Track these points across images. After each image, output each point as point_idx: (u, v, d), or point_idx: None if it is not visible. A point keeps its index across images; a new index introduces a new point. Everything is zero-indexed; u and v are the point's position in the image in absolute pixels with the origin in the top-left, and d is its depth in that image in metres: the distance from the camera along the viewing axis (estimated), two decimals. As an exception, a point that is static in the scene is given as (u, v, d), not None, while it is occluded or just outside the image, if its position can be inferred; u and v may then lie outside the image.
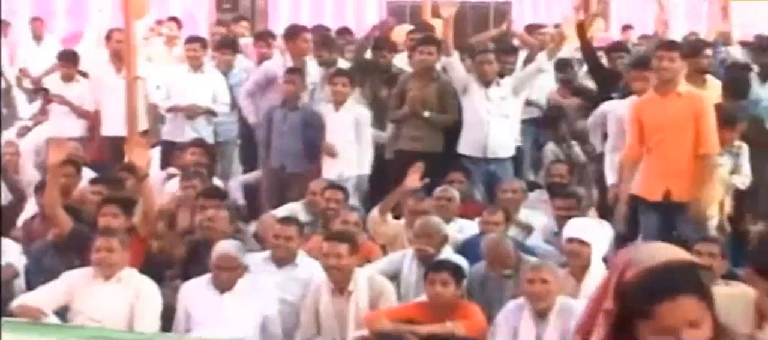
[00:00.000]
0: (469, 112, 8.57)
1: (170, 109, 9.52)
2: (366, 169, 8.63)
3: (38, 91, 11.79)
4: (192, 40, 10.09)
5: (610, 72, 9.30)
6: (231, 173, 9.73)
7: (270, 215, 7.64)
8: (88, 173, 8.32)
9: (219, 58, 10.11)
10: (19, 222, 8.03)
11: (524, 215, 7.80)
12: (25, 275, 6.88)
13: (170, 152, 9.17)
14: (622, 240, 6.70)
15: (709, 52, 8.72)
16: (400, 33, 11.35)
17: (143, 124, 8.85)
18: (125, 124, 8.12)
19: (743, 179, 7.79)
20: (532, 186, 8.82)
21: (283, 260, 6.57)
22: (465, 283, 6.08)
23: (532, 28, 12.29)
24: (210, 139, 9.36)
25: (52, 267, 6.58)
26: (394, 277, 6.58)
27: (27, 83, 13.26)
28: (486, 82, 8.57)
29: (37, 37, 13.77)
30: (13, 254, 6.99)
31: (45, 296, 5.97)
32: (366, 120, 8.63)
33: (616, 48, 10.42)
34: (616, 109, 7.92)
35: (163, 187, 8.48)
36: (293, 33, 9.57)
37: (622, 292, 2.22)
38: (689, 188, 6.89)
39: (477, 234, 7.14)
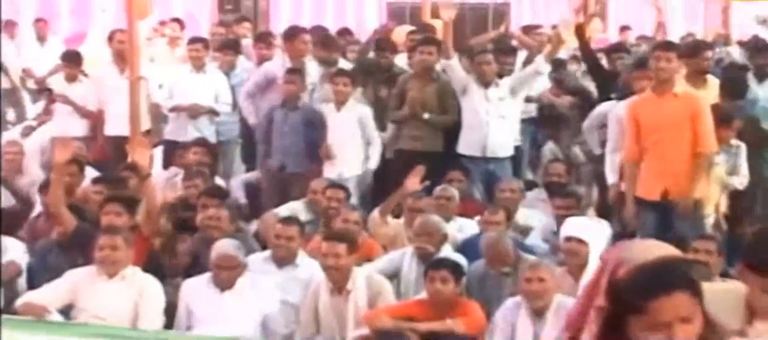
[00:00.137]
0: (469, 112, 8.56)
1: (173, 109, 9.52)
2: (374, 164, 8.60)
3: (42, 91, 11.78)
4: (194, 40, 10.11)
5: (610, 73, 9.29)
6: (233, 172, 9.73)
7: (272, 214, 7.64)
8: (91, 173, 8.32)
9: (221, 59, 10.13)
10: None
11: (522, 214, 7.80)
12: (29, 273, 6.86)
13: (172, 151, 9.16)
14: (620, 239, 6.68)
15: (709, 53, 8.70)
16: (400, 33, 11.35)
17: (145, 123, 8.84)
18: (128, 124, 8.11)
19: (741, 180, 7.80)
20: (531, 185, 8.82)
21: (283, 260, 6.55)
22: (464, 281, 6.07)
23: (528, 29, 12.29)
24: (212, 139, 9.36)
25: (56, 265, 6.59)
26: (394, 275, 6.58)
27: (31, 84, 13.25)
28: (485, 83, 8.56)
29: (41, 38, 13.76)
30: (17, 251, 6.99)
31: (49, 295, 5.96)
32: (369, 118, 8.61)
33: (616, 49, 10.45)
34: (616, 110, 7.91)
35: (166, 185, 8.49)
36: (291, 34, 9.57)
37: (615, 289, 2.22)
38: (686, 187, 6.89)
39: (477, 234, 7.13)
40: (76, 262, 6.43)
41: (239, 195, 8.85)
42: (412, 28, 11.45)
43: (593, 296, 2.26)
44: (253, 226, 7.94)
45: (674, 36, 12.27)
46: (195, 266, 6.63)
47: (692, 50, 8.40)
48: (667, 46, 7.41)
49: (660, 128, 6.86)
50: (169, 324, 6.13)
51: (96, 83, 9.80)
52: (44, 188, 7.46)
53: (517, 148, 8.97)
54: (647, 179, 6.96)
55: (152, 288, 6.06)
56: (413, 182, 7.33)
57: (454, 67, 8.62)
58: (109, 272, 6.00)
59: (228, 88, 9.65)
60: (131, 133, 8.01)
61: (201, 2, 16.82)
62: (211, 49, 10.13)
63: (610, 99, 8.63)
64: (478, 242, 6.77)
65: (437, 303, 5.85)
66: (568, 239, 6.27)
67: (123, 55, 8.97)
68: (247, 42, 11.30)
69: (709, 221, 7.40)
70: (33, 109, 12.49)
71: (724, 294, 2.37)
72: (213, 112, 9.50)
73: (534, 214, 7.85)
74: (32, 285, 6.54)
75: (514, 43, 10.97)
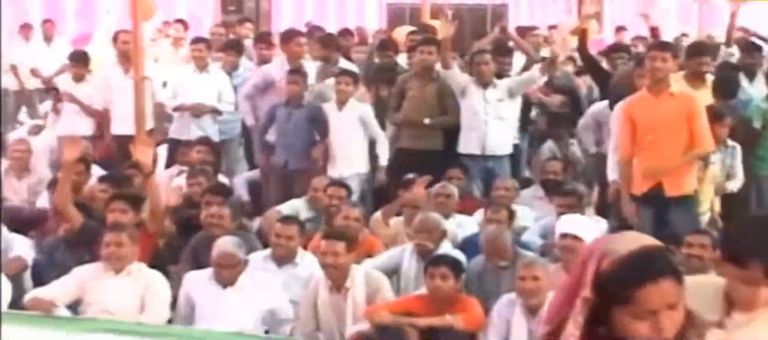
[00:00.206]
0: (468, 113, 8.58)
1: (177, 108, 9.55)
2: (384, 160, 8.60)
3: (49, 90, 11.81)
4: (197, 41, 10.13)
5: (610, 73, 9.33)
6: (235, 170, 9.76)
7: (274, 211, 7.67)
8: (97, 171, 8.35)
9: (224, 59, 10.18)
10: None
11: (519, 212, 7.80)
12: (36, 269, 6.88)
13: (176, 150, 9.20)
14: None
15: (708, 57, 8.73)
16: (401, 34, 11.39)
17: (149, 123, 8.87)
18: (133, 123, 8.14)
19: (736, 183, 7.83)
20: (529, 183, 8.85)
21: (283, 258, 6.55)
22: (463, 277, 6.09)
23: (524, 30, 12.31)
24: (215, 138, 9.38)
25: (62, 262, 6.61)
26: (394, 272, 6.59)
27: (38, 83, 13.29)
28: (484, 84, 8.58)
29: (48, 39, 13.78)
30: (24, 247, 7.01)
31: (58, 291, 5.99)
32: (370, 116, 8.62)
33: (616, 49, 10.53)
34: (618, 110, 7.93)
35: (169, 183, 8.51)
36: (287, 37, 9.64)
37: (601, 280, 2.24)
38: (681, 184, 6.91)
39: (476, 232, 7.15)
40: (83, 258, 6.45)
41: (242, 193, 8.87)
42: (412, 28, 11.47)
43: (576, 289, 2.28)
44: (256, 223, 7.98)
45: (668, 36, 12.28)
46: (196, 264, 6.64)
47: (693, 52, 8.43)
48: (662, 46, 7.43)
49: (656, 128, 6.87)
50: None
51: (102, 83, 9.83)
52: (52, 186, 7.50)
53: (515, 147, 9.00)
54: (642, 175, 6.98)
55: (158, 284, 6.10)
56: (418, 190, 7.39)
57: (453, 75, 8.65)
58: (115, 268, 6.04)
59: (230, 87, 9.68)
60: (136, 132, 8.04)
61: (204, 3, 16.86)
62: (212, 50, 10.17)
63: (607, 98, 8.67)
64: (477, 240, 6.79)
65: (437, 299, 5.87)
66: (564, 235, 6.29)
67: (127, 56, 9.00)
68: (248, 42, 11.34)
69: (705, 218, 7.43)
70: (40, 108, 12.54)
71: (702, 287, 2.39)
72: (216, 112, 9.53)
73: (528, 212, 7.87)
74: (39, 281, 6.57)
75: (511, 44, 10.99)
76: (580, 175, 9.01)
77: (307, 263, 6.54)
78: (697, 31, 14.91)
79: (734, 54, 10.42)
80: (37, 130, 10.83)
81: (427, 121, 8.62)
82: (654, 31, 10.57)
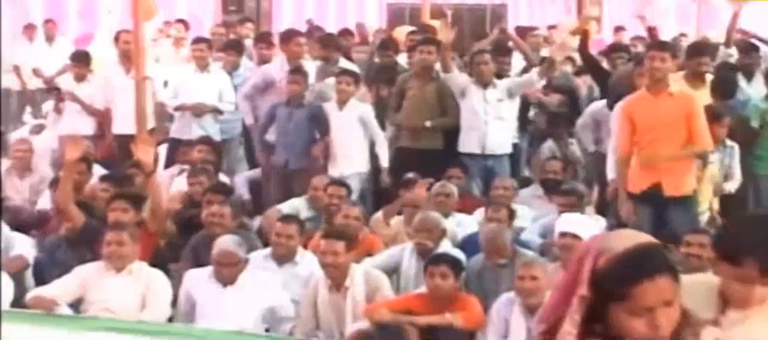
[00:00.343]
0: (468, 113, 8.59)
1: (178, 108, 9.54)
2: (386, 162, 8.57)
3: (51, 90, 11.80)
4: (198, 41, 10.14)
5: (609, 73, 9.34)
6: (236, 169, 9.75)
7: (275, 210, 7.66)
8: (98, 170, 8.34)
9: (225, 59, 10.17)
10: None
11: (518, 211, 7.79)
12: (38, 268, 6.87)
13: (176, 149, 9.19)
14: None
15: (708, 58, 8.74)
16: (401, 33, 11.39)
17: (150, 122, 8.86)
18: (134, 123, 8.13)
19: (734, 184, 7.82)
20: (529, 182, 8.84)
21: (283, 257, 6.54)
22: (463, 276, 6.08)
23: (525, 30, 12.30)
24: (216, 137, 9.37)
25: (64, 261, 6.61)
26: (394, 270, 6.58)
27: (40, 83, 13.28)
28: (484, 84, 8.58)
29: (50, 39, 13.78)
30: (25, 246, 6.99)
31: (60, 289, 5.99)
32: (371, 116, 8.60)
33: (616, 49, 10.58)
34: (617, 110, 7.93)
35: (169, 182, 8.50)
36: (287, 37, 9.66)
37: (598, 278, 2.24)
38: (680, 184, 6.90)
39: (476, 231, 7.13)
40: (84, 257, 6.45)
41: (243, 192, 8.87)
42: (412, 28, 11.47)
43: (572, 287, 2.28)
44: (257, 222, 7.97)
45: (666, 36, 12.27)
46: (196, 262, 6.63)
47: (693, 52, 8.42)
48: (661, 46, 7.43)
49: (655, 127, 6.86)
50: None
51: (103, 83, 9.82)
52: (54, 185, 7.49)
53: (515, 146, 8.99)
54: (641, 174, 6.97)
55: (159, 282, 6.09)
56: (419, 192, 7.39)
57: (452, 78, 8.64)
58: (117, 267, 6.03)
59: (231, 87, 9.68)
60: (137, 131, 8.03)
61: (205, 3, 16.85)
62: (213, 50, 10.17)
63: (604, 98, 8.67)
64: (476, 239, 6.78)
65: (437, 297, 5.86)
66: (563, 234, 6.28)
67: (129, 56, 8.99)
68: (249, 42, 11.34)
69: (704, 218, 7.42)
70: (43, 108, 12.52)
71: (696, 285, 2.40)
72: (217, 111, 9.52)
73: (527, 211, 7.86)
74: (41, 280, 6.56)
75: (510, 44, 10.99)
76: (580, 174, 9.00)
77: (307, 262, 6.53)
78: (695, 31, 14.90)
79: (733, 54, 10.42)
80: (38, 129, 10.83)
81: (428, 124, 8.60)
82: (651, 31, 10.58)
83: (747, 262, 2.73)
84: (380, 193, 8.59)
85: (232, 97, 9.60)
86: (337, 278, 6.06)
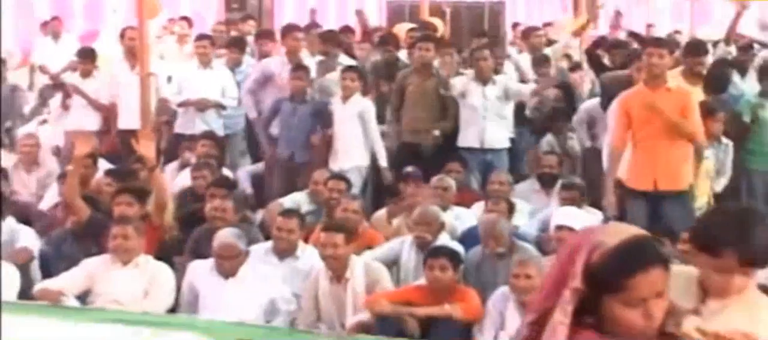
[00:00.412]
0: (467, 110, 8.62)
1: (182, 104, 9.56)
2: (384, 161, 8.55)
3: (57, 86, 11.81)
4: (201, 38, 10.17)
5: (610, 68, 9.39)
6: (239, 163, 9.77)
7: (277, 204, 7.67)
8: (104, 165, 8.36)
9: (228, 56, 10.20)
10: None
11: (517, 205, 7.81)
12: (44, 261, 6.88)
13: (180, 144, 9.22)
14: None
15: (707, 57, 8.77)
16: (401, 30, 11.41)
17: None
18: (139, 118, 8.15)
19: (723, 181, 7.83)
20: (526, 176, 8.85)
21: (284, 252, 6.55)
22: (462, 268, 6.10)
23: (529, 31, 12.33)
24: (220, 132, 9.39)
25: (70, 254, 6.63)
26: (394, 263, 6.59)
27: (45, 79, 13.29)
28: (483, 81, 8.61)
29: (56, 36, 13.78)
30: (29, 238, 7.01)
31: (67, 282, 6.01)
32: (371, 114, 8.59)
33: (616, 45, 10.74)
34: (614, 105, 7.94)
35: (173, 178, 8.53)
36: (286, 32, 9.73)
37: (592, 271, 2.26)
38: (676, 178, 6.92)
39: (475, 225, 7.15)
40: (90, 250, 6.48)
41: (246, 186, 8.89)
42: (412, 25, 11.49)
43: (562, 280, 2.31)
44: (259, 215, 7.98)
45: (661, 33, 12.32)
46: (197, 255, 6.64)
47: (692, 50, 8.44)
48: (659, 42, 7.46)
49: (652, 121, 6.88)
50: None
51: (108, 79, 9.83)
52: (62, 179, 7.51)
53: (514, 141, 9.01)
54: (638, 170, 6.98)
55: (164, 275, 6.12)
56: (421, 191, 7.46)
57: (452, 89, 8.67)
58: (122, 260, 6.06)
59: (234, 83, 9.71)
60: (141, 127, 8.04)
61: (208, 1, 16.85)
62: (216, 47, 10.19)
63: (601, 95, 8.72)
64: (475, 232, 6.79)
65: (436, 289, 5.87)
66: (560, 227, 6.30)
67: (134, 52, 8.99)
68: (251, 39, 11.36)
69: (699, 213, 7.42)
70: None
71: (676, 276, 2.42)
72: (220, 107, 9.54)
73: (524, 206, 7.87)
74: (48, 273, 6.58)
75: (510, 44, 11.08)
76: (577, 168, 9.01)
77: (308, 256, 6.53)
78: (689, 29, 14.93)
79: (732, 52, 10.45)
80: (41, 124, 10.84)
81: (437, 133, 8.61)
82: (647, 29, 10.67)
83: (726, 252, 2.76)
84: (380, 187, 8.60)
85: (234, 93, 9.63)
86: (337, 270, 6.07)
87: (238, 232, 6.30)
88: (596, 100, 8.78)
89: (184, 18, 13.25)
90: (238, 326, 5.44)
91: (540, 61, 10.39)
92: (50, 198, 8.21)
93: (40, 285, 6.08)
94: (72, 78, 10.35)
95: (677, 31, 14.60)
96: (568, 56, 10.72)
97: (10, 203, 7.55)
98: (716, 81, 8.29)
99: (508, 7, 18.22)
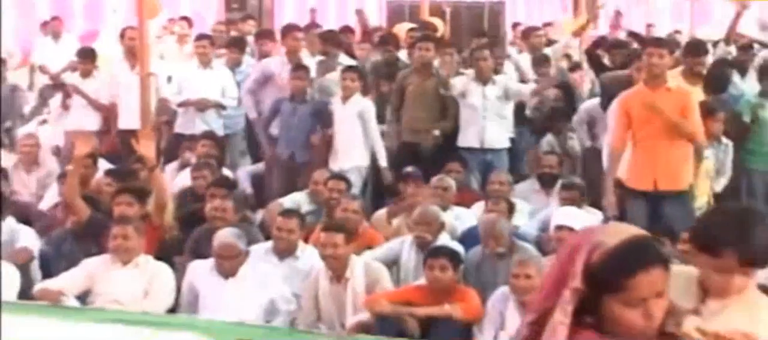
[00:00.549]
0: (467, 110, 8.62)
1: (182, 104, 9.55)
2: (384, 161, 8.54)
3: (57, 86, 11.82)
4: (201, 38, 10.17)
5: (610, 68, 9.40)
6: (239, 163, 9.77)
7: (277, 204, 7.67)
8: (104, 165, 8.36)
9: (228, 56, 10.20)
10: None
11: (517, 205, 7.81)
12: (44, 260, 6.88)
13: (180, 144, 9.21)
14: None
15: (707, 57, 8.78)
16: (401, 30, 11.41)
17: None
18: (139, 118, 8.15)
19: (722, 182, 7.82)
20: (526, 176, 8.86)
21: (284, 252, 6.55)
22: (462, 268, 6.09)
23: (529, 31, 12.34)
24: (220, 132, 9.39)
25: (70, 254, 6.63)
26: (394, 263, 6.59)
27: (45, 79, 13.29)
28: (483, 80, 8.61)
29: (55, 35, 13.79)
30: (29, 238, 7.01)
31: (67, 282, 6.01)
32: (371, 114, 8.58)
33: (616, 45, 10.76)
34: (614, 105, 7.94)
35: (173, 177, 8.52)
36: (286, 31, 9.73)
37: (592, 271, 2.26)
38: (676, 178, 6.92)
39: (475, 225, 7.15)
40: (90, 250, 6.47)
41: (246, 186, 8.89)
42: (412, 25, 11.50)
43: (562, 280, 2.30)
44: (259, 215, 7.98)
45: (661, 33, 12.32)
46: (196, 255, 6.64)
47: (692, 50, 8.45)
48: (659, 42, 7.45)
49: (652, 121, 6.88)
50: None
51: (108, 79, 9.83)
52: (62, 179, 7.51)
53: (515, 141, 9.01)
54: (638, 170, 6.98)
55: (164, 275, 6.12)
56: (421, 191, 7.45)
57: (452, 89, 8.68)
58: (123, 260, 6.06)
59: (234, 83, 9.71)
60: (141, 127, 8.05)
61: (208, 1, 16.86)
62: (216, 47, 10.19)
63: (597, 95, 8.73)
64: (475, 232, 6.78)
65: (436, 289, 5.87)
66: (559, 227, 6.29)
67: (134, 52, 8.99)
68: (251, 39, 11.36)
69: (699, 213, 7.42)
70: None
71: (676, 276, 2.42)
72: (220, 107, 9.54)
73: (524, 206, 7.87)
74: (48, 273, 6.58)
75: (510, 44, 11.08)
76: (577, 168, 9.02)
77: (308, 256, 6.53)
78: (689, 29, 14.93)
79: (732, 52, 10.45)
80: (41, 123, 10.84)
81: (436, 133, 8.61)
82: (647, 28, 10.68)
83: (725, 252, 2.76)
84: (380, 187, 8.60)
85: (234, 93, 9.63)
86: (337, 270, 6.07)
87: (238, 232, 6.30)
88: (596, 100, 8.79)
89: (184, 18, 13.26)
90: (238, 326, 5.44)
91: (540, 61, 10.42)
92: (50, 198, 8.21)
93: (40, 285, 6.08)
94: (72, 78, 10.35)
95: (677, 31, 14.60)
96: (568, 56, 10.73)
97: (10, 203, 7.54)
98: (716, 81, 8.29)
99: (508, 7, 18.24)
